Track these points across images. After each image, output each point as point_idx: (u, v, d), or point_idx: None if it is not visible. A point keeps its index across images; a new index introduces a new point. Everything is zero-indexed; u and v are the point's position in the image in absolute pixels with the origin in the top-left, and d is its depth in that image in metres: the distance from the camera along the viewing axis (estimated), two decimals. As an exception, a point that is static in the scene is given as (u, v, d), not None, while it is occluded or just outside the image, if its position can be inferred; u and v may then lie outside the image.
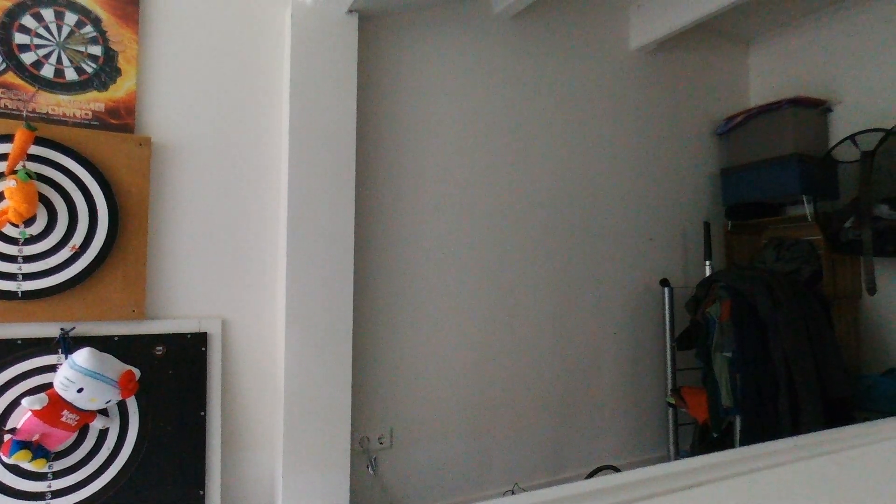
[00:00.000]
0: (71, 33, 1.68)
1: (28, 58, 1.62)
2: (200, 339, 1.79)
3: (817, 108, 2.78)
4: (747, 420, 2.17)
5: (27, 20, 1.63)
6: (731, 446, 2.17)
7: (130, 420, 1.68)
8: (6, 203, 1.49)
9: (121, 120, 1.72)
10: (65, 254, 1.61)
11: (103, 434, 1.65)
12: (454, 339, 2.26)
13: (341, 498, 1.90)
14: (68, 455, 1.60)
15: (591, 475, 2.42)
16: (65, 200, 1.62)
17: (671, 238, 2.91)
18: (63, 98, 1.65)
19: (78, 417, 1.53)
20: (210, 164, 1.86)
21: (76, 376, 1.48)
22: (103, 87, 1.71)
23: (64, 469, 1.59)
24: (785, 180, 2.66)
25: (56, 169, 1.60)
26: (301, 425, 1.85)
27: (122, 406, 1.67)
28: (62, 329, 1.60)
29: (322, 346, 1.89)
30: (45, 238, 1.60)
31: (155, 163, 1.77)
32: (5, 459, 1.48)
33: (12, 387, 1.54)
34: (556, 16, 2.58)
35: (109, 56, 1.72)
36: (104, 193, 1.66)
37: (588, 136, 2.66)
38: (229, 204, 1.88)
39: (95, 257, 1.64)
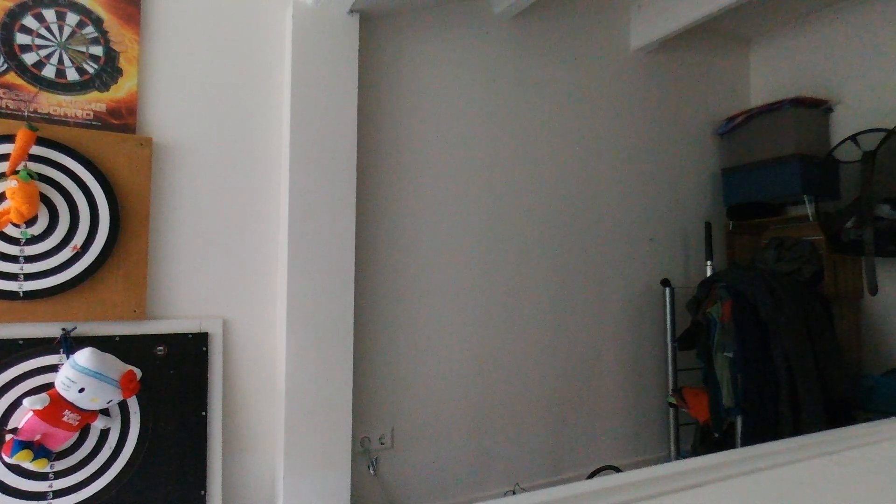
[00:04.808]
0: (72, 34, 1.68)
1: (30, 58, 1.63)
2: (201, 339, 1.79)
3: (818, 108, 2.78)
4: (748, 420, 2.17)
5: (29, 21, 1.63)
6: (733, 446, 2.17)
7: (132, 420, 1.68)
8: (8, 203, 1.49)
9: (122, 120, 1.72)
10: (66, 254, 1.61)
11: (104, 434, 1.65)
12: (455, 339, 2.26)
13: (342, 498, 1.90)
14: (70, 455, 1.60)
15: (591, 475, 2.42)
16: (66, 201, 1.62)
17: (672, 238, 2.90)
18: (64, 98, 1.66)
19: (79, 417, 1.53)
20: (211, 164, 1.86)
21: (77, 376, 1.48)
22: (104, 87, 1.71)
23: (65, 469, 1.59)
24: (786, 180, 2.65)
25: (57, 169, 1.61)
26: (302, 425, 1.85)
27: (123, 406, 1.67)
28: (63, 329, 1.60)
29: (323, 346, 1.89)
30: (46, 238, 1.60)
31: (156, 163, 1.77)
32: (7, 459, 1.48)
33: (14, 387, 1.54)
34: (556, 16, 2.58)
35: (111, 56, 1.72)
36: (105, 193, 1.67)
37: (589, 136, 2.66)
38: (230, 204, 1.88)
39: (97, 257, 1.65)
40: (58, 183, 1.61)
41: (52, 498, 1.57)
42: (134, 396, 1.66)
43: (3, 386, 1.53)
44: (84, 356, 1.50)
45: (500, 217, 2.39)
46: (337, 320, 1.92)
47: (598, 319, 2.64)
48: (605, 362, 2.64)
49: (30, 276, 1.57)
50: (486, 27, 2.39)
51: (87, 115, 1.68)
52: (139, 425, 1.69)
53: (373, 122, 2.12)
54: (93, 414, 1.57)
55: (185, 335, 1.77)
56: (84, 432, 1.62)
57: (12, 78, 1.60)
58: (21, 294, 1.56)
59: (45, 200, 1.59)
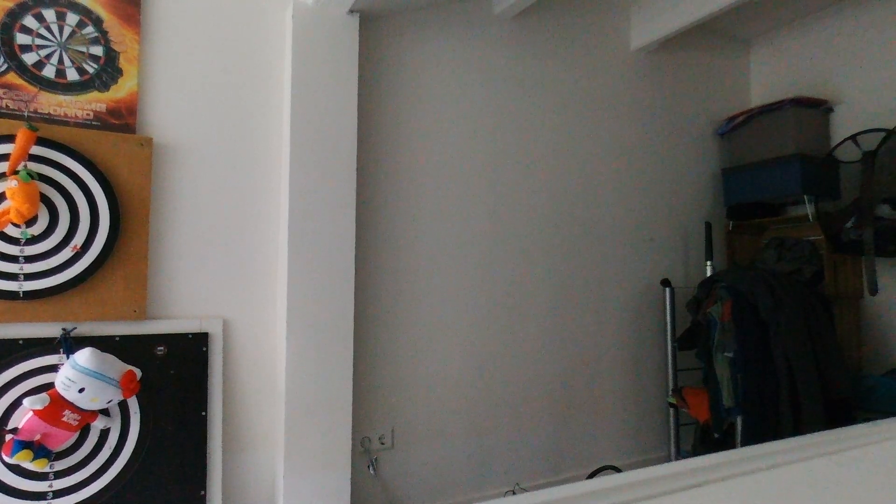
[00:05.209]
0: (72, 34, 1.68)
1: (30, 58, 1.63)
2: (201, 339, 1.79)
3: (818, 108, 2.78)
4: (748, 420, 2.16)
5: (29, 21, 1.63)
6: (733, 447, 2.17)
7: (132, 420, 1.68)
8: (8, 203, 1.49)
9: (122, 120, 1.72)
10: (66, 254, 1.61)
11: (105, 434, 1.65)
12: (455, 339, 2.26)
13: (342, 498, 1.90)
14: (70, 455, 1.60)
15: (591, 475, 2.41)
16: (66, 201, 1.62)
17: (672, 238, 2.90)
18: (64, 98, 1.66)
19: (79, 417, 1.54)
20: (211, 164, 1.86)
21: (78, 376, 1.48)
22: (104, 87, 1.71)
23: (65, 469, 1.59)
24: (786, 180, 2.65)
25: (57, 169, 1.61)
26: (302, 425, 1.85)
27: (123, 406, 1.67)
28: (64, 329, 1.60)
29: (323, 346, 1.89)
30: (46, 238, 1.60)
31: (156, 163, 1.77)
32: (7, 459, 1.48)
33: (14, 387, 1.54)
34: (556, 16, 2.58)
35: (111, 56, 1.72)
36: (105, 194, 1.67)
37: (589, 136, 2.66)
38: (230, 204, 1.88)
39: (97, 257, 1.65)
40: (58, 183, 1.61)
41: (52, 498, 1.57)
42: (134, 396, 1.66)
43: (3, 386, 1.53)
44: (84, 356, 1.50)
45: (500, 217, 2.39)
46: (337, 320, 1.92)
47: (599, 319, 2.63)
48: (605, 362, 2.64)
49: (30, 276, 1.57)
50: (486, 27, 2.39)
51: (87, 115, 1.68)
52: (139, 425, 1.69)
53: (373, 121, 2.12)
54: (93, 414, 1.57)
55: (185, 335, 1.77)
56: (84, 432, 1.62)
57: (12, 78, 1.60)
58: (21, 294, 1.56)
59: (45, 200, 1.59)
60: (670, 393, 2.62)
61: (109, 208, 1.67)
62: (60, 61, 1.66)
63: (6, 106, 1.59)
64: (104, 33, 1.72)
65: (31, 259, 1.58)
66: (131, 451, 1.67)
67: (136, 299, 1.70)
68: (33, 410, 1.48)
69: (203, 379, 1.79)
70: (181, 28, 1.83)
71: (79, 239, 1.63)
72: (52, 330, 1.60)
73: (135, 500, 1.67)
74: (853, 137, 2.58)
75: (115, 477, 1.65)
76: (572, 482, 0.73)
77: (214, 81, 1.88)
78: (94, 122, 1.68)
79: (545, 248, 2.50)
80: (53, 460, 1.57)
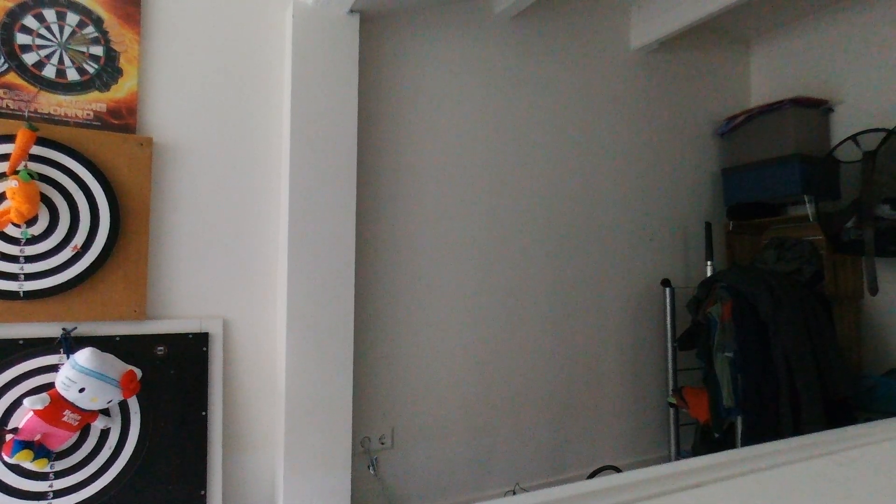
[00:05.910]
0: (73, 34, 1.68)
1: (30, 58, 1.63)
2: (202, 340, 1.79)
3: (818, 108, 2.78)
4: (748, 420, 2.16)
5: (29, 21, 1.63)
6: (733, 447, 2.17)
7: (132, 420, 1.68)
8: (8, 203, 1.49)
9: (122, 120, 1.72)
10: (66, 254, 1.61)
11: (105, 434, 1.65)
12: (455, 340, 2.26)
13: (342, 498, 1.90)
14: (70, 455, 1.60)
15: (592, 475, 2.42)
16: (66, 201, 1.62)
17: (672, 238, 2.90)
18: (65, 98, 1.66)
19: (79, 417, 1.54)
20: (211, 164, 1.86)
21: (78, 376, 1.48)
22: (105, 87, 1.71)
23: (65, 469, 1.59)
24: (786, 180, 2.65)
25: (58, 169, 1.61)
26: (302, 425, 1.85)
27: (123, 406, 1.68)
28: (64, 329, 1.60)
29: (323, 346, 1.89)
30: (46, 238, 1.60)
31: (156, 163, 1.77)
32: (7, 459, 1.48)
33: (14, 387, 1.54)
34: (556, 16, 2.58)
35: (111, 56, 1.72)
36: (106, 193, 1.67)
37: (589, 136, 2.66)
38: (231, 204, 1.88)
39: (97, 257, 1.65)
40: (58, 183, 1.61)
41: (53, 498, 1.57)
42: (134, 396, 1.66)
43: (4, 386, 1.53)
44: (84, 356, 1.50)
45: (500, 217, 2.39)
46: (337, 320, 1.92)
47: (599, 319, 2.63)
48: (605, 362, 2.64)
49: (30, 276, 1.57)
50: (485, 27, 2.39)
51: (88, 115, 1.68)
52: (139, 425, 1.69)
53: (373, 121, 2.12)
54: (93, 414, 1.57)
55: (185, 335, 1.77)
56: (84, 432, 1.62)
57: (13, 78, 1.60)
58: (21, 294, 1.56)
59: (46, 200, 1.59)
60: (670, 393, 2.62)
61: (110, 208, 1.67)
62: (61, 61, 1.66)
63: (6, 106, 1.59)
64: (104, 33, 1.72)
65: (31, 259, 1.58)
66: (131, 451, 1.67)
67: (136, 299, 1.70)
68: (33, 410, 1.48)
69: (203, 379, 1.79)
70: (181, 28, 1.83)
71: (79, 239, 1.63)
72: (52, 330, 1.60)
73: (135, 500, 1.67)
74: (853, 137, 2.58)
75: (116, 477, 1.65)
76: (572, 482, 0.73)
77: (214, 81, 1.88)
78: (94, 122, 1.68)
79: (545, 248, 2.50)
80: (54, 460, 1.57)
